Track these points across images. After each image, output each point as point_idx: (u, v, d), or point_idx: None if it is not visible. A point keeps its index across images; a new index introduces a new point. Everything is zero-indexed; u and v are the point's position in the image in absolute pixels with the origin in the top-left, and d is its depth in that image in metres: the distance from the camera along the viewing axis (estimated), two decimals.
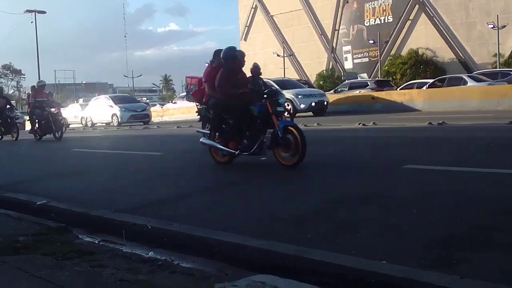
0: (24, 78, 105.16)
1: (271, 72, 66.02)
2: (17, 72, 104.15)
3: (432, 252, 3.78)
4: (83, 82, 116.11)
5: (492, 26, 48.32)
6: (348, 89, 35.02)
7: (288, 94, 23.70)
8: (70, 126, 30.67)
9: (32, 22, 52.04)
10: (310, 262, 3.72)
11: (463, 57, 54.10)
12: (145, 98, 65.78)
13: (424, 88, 29.77)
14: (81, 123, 35.40)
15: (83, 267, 3.97)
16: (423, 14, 56.97)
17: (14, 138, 20.99)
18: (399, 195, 5.81)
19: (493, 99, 22.90)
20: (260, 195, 6.48)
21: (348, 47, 64.31)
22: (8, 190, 7.72)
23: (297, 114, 25.57)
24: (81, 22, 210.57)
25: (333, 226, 4.68)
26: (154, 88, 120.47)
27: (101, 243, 4.92)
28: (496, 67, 45.34)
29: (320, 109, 26.62)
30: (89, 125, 33.78)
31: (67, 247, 4.54)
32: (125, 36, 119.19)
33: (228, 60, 8.77)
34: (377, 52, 58.03)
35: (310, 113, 26.70)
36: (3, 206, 6.69)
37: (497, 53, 47.48)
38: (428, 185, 6.18)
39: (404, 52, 57.22)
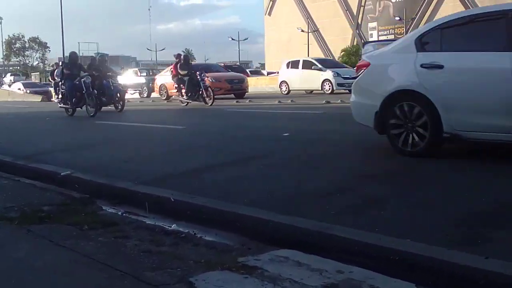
0: (49, 50, 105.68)
1: (294, 47, 65.76)
2: (43, 45, 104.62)
3: (457, 230, 3.76)
4: (108, 54, 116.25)
5: None
6: None
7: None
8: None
9: None
10: (333, 239, 3.72)
11: None
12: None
13: None
14: None
15: (107, 237, 4.01)
16: None
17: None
18: (424, 171, 5.77)
19: None
20: (284, 170, 6.46)
21: (374, 24, 63.62)
22: (34, 160, 7.79)
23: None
24: None
25: (357, 202, 4.65)
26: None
27: (124, 214, 4.96)
28: None
29: None
30: None
31: (91, 218, 4.59)
32: (149, 9, 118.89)
33: None
34: (403, 29, 57.34)
35: None
36: (28, 176, 6.77)
37: None
38: (453, 162, 6.12)
39: None
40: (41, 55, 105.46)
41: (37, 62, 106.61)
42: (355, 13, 65.07)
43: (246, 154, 7.64)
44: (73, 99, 17.23)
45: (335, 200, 4.77)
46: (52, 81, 22.36)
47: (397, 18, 57.51)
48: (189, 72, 20.13)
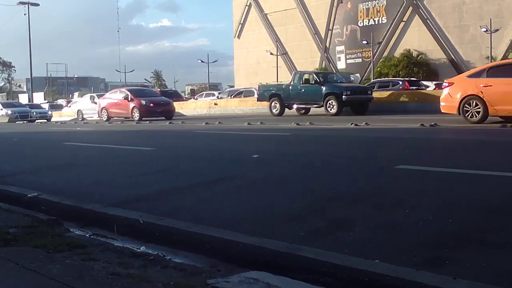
0: (15, 70, 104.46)
1: (263, 70, 66.18)
2: (7, 65, 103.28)
3: (425, 251, 3.79)
4: (75, 76, 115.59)
5: (485, 29, 48.54)
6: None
7: None
8: None
9: (25, 14, 51.75)
10: (302, 260, 3.71)
11: (455, 60, 54.40)
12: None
13: None
14: None
15: (74, 260, 3.95)
16: (416, 16, 57.20)
17: None
18: (392, 194, 5.82)
19: None
20: (253, 191, 6.47)
21: (342, 47, 64.46)
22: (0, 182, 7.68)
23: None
24: (73, 16, 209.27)
25: (326, 224, 4.68)
26: (146, 84, 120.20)
27: (92, 236, 4.90)
28: None
29: None
30: None
31: (58, 240, 4.51)
32: (118, 31, 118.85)
33: None
34: (370, 53, 58.20)
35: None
36: None
37: (490, 56, 47.71)
38: (421, 186, 6.19)
39: (397, 53, 57.45)
40: (6, 75, 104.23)
41: (3, 83, 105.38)
42: (323, 37, 65.83)
43: (215, 176, 7.63)
44: None
45: (304, 222, 4.78)
46: None
47: (364, 42, 58.33)
48: None
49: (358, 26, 62.52)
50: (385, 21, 59.92)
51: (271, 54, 65.22)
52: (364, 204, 5.42)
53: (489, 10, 51.08)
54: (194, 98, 48.08)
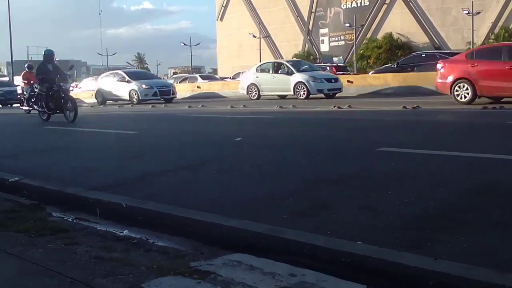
0: None
1: (246, 53, 65.99)
2: None
3: (406, 233, 3.82)
4: (57, 59, 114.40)
5: (467, 12, 48.71)
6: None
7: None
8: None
9: None
10: (284, 242, 3.73)
11: (437, 43, 54.62)
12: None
13: None
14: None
15: (57, 244, 3.94)
16: None
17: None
18: (374, 176, 5.85)
19: None
20: (236, 174, 6.47)
21: (325, 30, 64.41)
22: None
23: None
24: None
25: (308, 206, 4.69)
26: (128, 67, 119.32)
27: (75, 221, 4.87)
28: None
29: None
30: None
31: (40, 225, 4.49)
32: (99, 14, 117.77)
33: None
34: (353, 36, 58.20)
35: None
36: None
37: (471, 39, 47.93)
38: (403, 167, 6.23)
39: (380, 36, 57.55)
40: None
41: None
42: (306, 19, 65.68)
43: (198, 159, 7.62)
44: None
45: (287, 204, 4.80)
46: None
47: (347, 25, 58.31)
48: None
49: (342, 8, 62.45)
50: (367, 3, 59.91)
51: (254, 37, 64.96)
52: (346, 186, 5.46)
53: None
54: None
